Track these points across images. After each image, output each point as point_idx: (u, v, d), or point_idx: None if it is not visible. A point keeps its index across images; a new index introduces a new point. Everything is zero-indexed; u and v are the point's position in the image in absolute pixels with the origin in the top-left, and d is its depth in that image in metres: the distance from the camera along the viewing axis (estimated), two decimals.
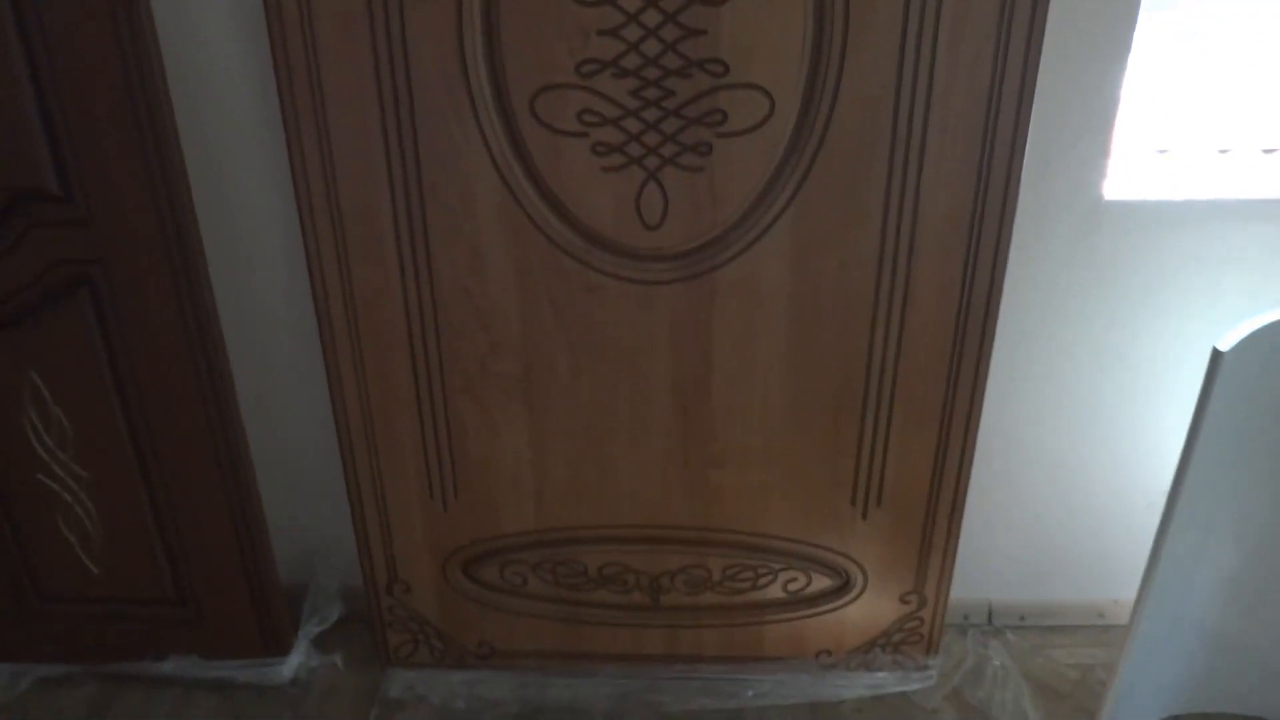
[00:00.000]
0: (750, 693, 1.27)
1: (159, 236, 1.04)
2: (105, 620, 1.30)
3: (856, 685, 1.26)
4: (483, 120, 0.98)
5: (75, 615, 1.30)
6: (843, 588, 1.23)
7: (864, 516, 1.17)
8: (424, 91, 0.97)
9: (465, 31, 0.94)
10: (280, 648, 1.31)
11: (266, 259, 1.18)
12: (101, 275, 1.07)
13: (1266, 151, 1.13)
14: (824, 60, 0.94)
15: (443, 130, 0.99)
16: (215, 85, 1.08)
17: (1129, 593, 1.05)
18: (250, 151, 1.11)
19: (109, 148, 1.00)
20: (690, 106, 0.96)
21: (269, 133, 1.08)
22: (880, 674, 1.27)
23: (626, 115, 0.97)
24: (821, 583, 1.23)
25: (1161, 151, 1.13)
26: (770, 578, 1.22)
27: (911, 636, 1.26)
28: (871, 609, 1.23)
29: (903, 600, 1.23)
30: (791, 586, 1.23)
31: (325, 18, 0.94)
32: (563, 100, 0.97)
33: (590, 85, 0.96)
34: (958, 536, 1.17)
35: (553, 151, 0.99)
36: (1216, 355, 0.89)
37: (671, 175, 0.99)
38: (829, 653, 1.28)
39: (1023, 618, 1.35)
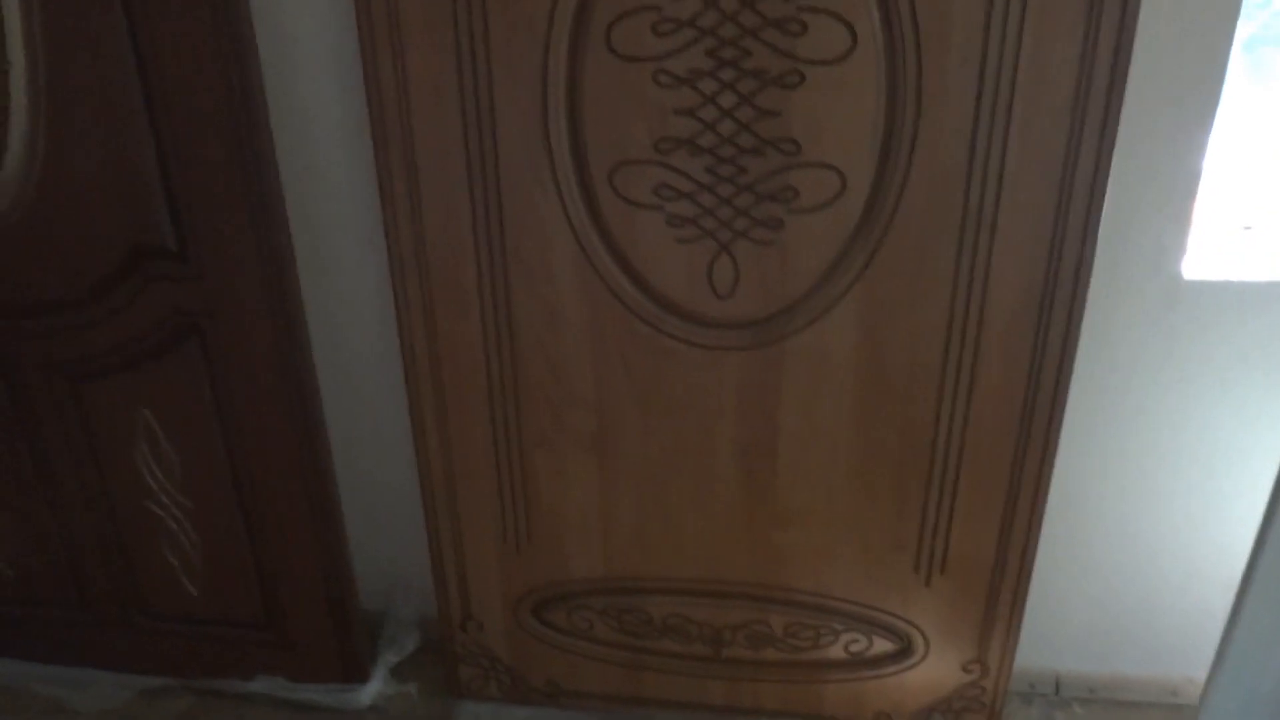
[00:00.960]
0: None
1: (263, 291, 1.12)
2: (201, 639, 1.39)
3: None
4: (563, 190, 1.03)
5: (175, 632, 1.40)
6: (904, 652, 1.23)
7: (927, 583, 1.17)
8: (509, 160, 1.03)
9: (550, 107, 0.99)
10: (359, 674, 1.38)
11: (359, 311, 1.25)
12: (210, 325, 1.16)
13: None
14: (896, 140, 0.96)
15: (525, 197, 1.04)
16: (315, 148, 1.15)
17: (1203, 670, 1.03)
18: (346, 211, 1.18)
19: (221, 208, 1.09)
20: (763, 183, 0.99)
21: (364, 193, 1.15)
22: None
23: (701, 190, 1.01)
24: (883, 646, 1.23)
25: (1246, 229, 1.11)
26: (831, 638, 1.23)
27: (973, 705, 1.25)
28: (933, 675, 1.23)
29: (965, 668, 1.22)
30: (853, 648, 1.24)
31: (419, 88, 1.01)
32: (640, 175, 1.01)
33: (667, 161, 1.00)
34: (1023, 608, 1.16)
35: (629, 222, 1.03)
36: None
37: (743, 248, 1.02)
38: (888, 716, 1.28)
39: (1092, 690, 1.32)
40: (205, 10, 0.99)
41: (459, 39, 0.98)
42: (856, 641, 1.23)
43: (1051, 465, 1.07)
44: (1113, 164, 0.94)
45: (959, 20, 0.91)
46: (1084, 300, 0.99)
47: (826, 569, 1.19)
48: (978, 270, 1.00)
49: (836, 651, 1.24)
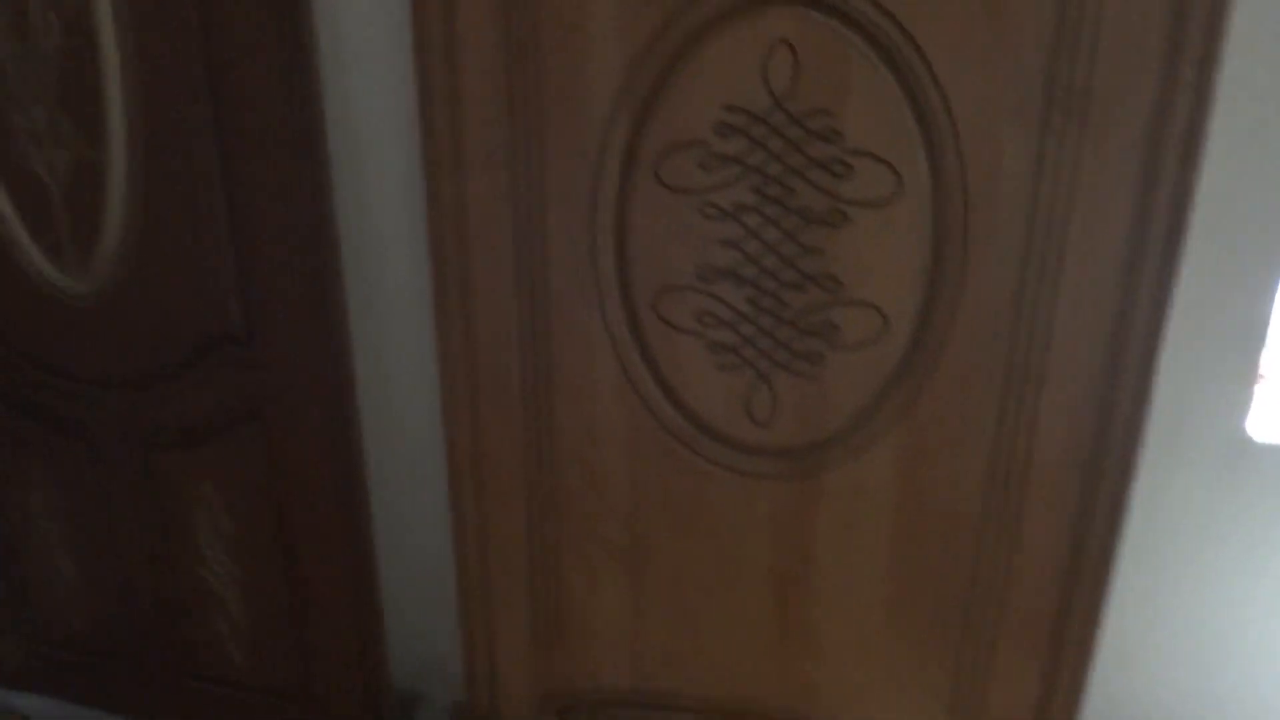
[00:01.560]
0: None
1: (321, 383, 1.17)
2: (243, 705, 1.43)
3: None
4: (607, 311, 1.05)
5: (220, 696, 1.44)
6: None
7: None
8: (558, 279, 1.05)
9: (598, 232, 1.02)
10: None
11: (409, 401, 1.28)
12: (270, 410, 1.21)
13: None
14: (941, 285, 0.94)
15: (571, 316, 1.06)
16: (378, 257, 1.21)
17: None
18: (402, 312, 1.23)
19: (288, 305, 1.15)
20: (804, 318, 0.99)
21: (420, 298, 1.18)
22: None
23: (742, 320, 1.01)
24: None
25: None
26: None
27: None
28: None
29: None
30: None
31: (477, 209, 1.04)
32: (682, 301, 1.02)
33: (709, 290, 1.01)
34: None
35: (670, 345, 1.04)
36: None
37: (782, 379, 1.02)
38: None
39: None
40: (287, 129, 1.05)
41: (516, 165, 1.01)
42: None
43: (1095, 632, 1.02)
44: (1171, 315, 0.91)
45: (1008, 170, 0.90)
46: (1136, 461, 0.95)
47: (858, 707, 1.15)
48: (1022, 424, 0.97)
49: None
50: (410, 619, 1.41)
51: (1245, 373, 1.00)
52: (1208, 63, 0.84)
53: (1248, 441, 1.02)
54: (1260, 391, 1.01)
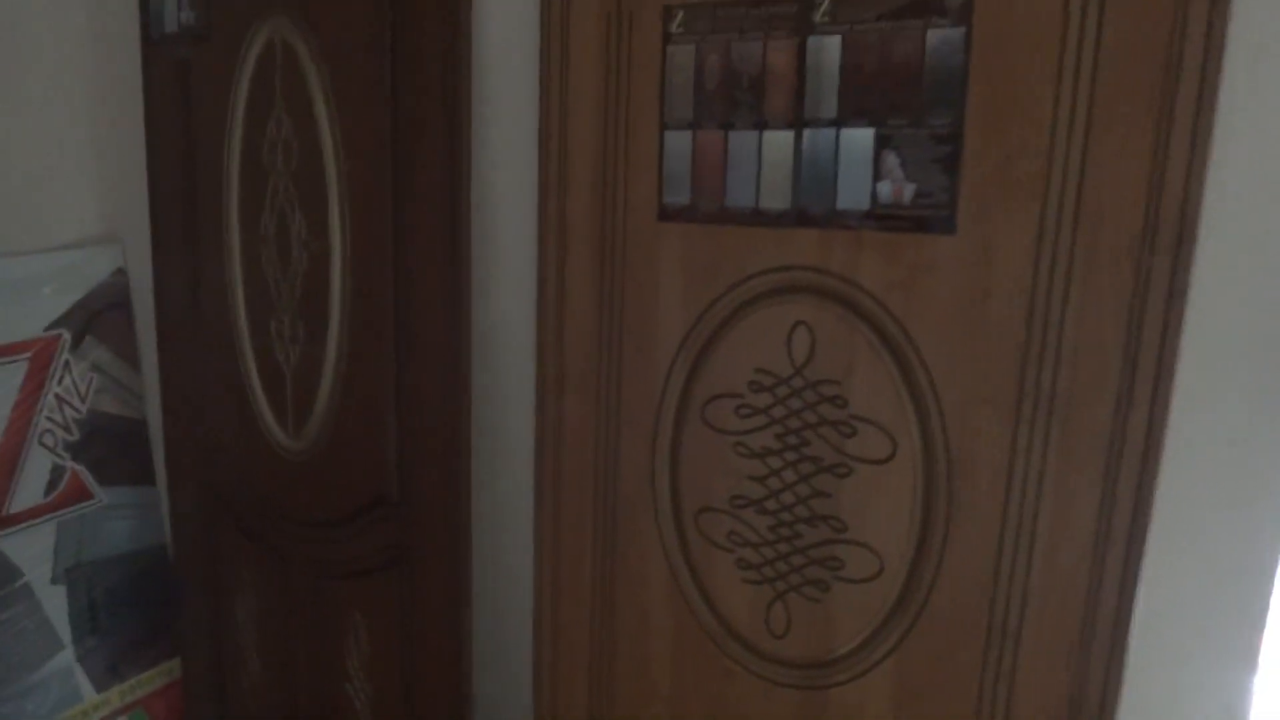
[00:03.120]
0: None
1: (446, 538, 1.46)
2: None
3: None
4: (661, 520, 1.26)
5: None
6: None
7: None
8: (625, 488, 1.29)
9: (657, 456, 1.25)
10: None
11: (510, 557, 1.54)
12: (410, 555, 1.51)
13: None
14: (929, 541, 1.08)
15: (633, 520, 1.28)
16: (499, 451, 1.50)
17: None
18: (510, 498, 1.50)
19: (429, 479, 1.45)
20: (814, 549, 1.15)
21: (524, 488, 1.45)
22: None
23: (764, 544, 1.19)
24: None
25: None
26: None
27: None
28: None
29: None
30: None
31: (570, 422, 1.31)
32: (718, 521, 1.22)
33: (738, 515, 1.20)
34: None
35: (707, 557, 1.23)
36: None
37: (795, 599, 1.18)
38: None
39: None
40: (443, 353, 1.39)
41: (600, 392, 1.28)
42: None
43: None
44: (1159, 592, 0.98)
45: (986, 446, 1.04)
46: None
47: None
48: (1001, 680, 1.06)
49: None
50: None
51: (1246, 658, 1.03)
52: (1163, 378, 0.96)
53: None
54: (1261, 682, 1.03)
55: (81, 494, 1.92)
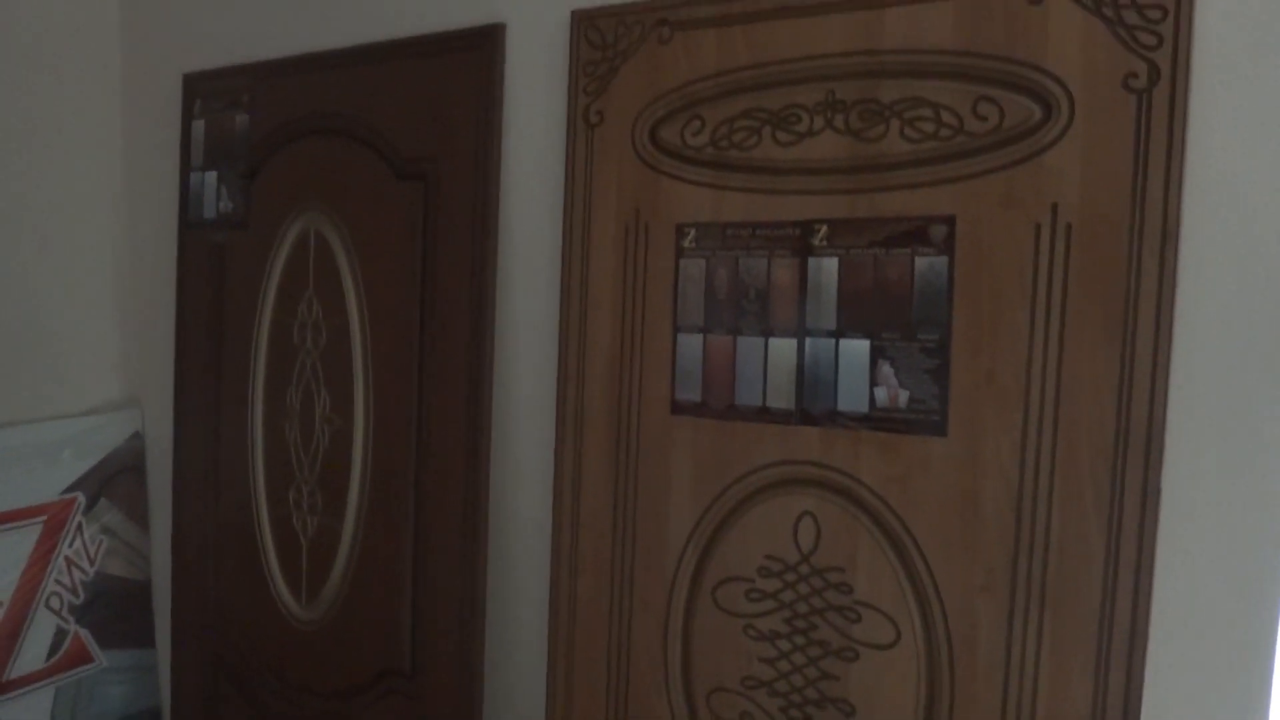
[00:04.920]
0: None
1: (459, 709, 1.48)
2: None
3: None
4: (672, 698, 1.30)
5: None
6: None
7: None
8: (637, 665, 1.33)
9: (669, 636, 1.30)
10: None
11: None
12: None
13: None
14: (934, 716, 1.14)
15: (645, 696, 1.32)
16: (512, 631, 1.54)
17: None
18: (525, 674, 1.53)
19: (443, 654, 1.49)
20: None
21: (538, 662, 1.49)
22: None
23: None
24: None
25: None
26: None
27: None
28: None
29: None
30: None
31: (583, 599, 1.37)
32: (730, 702, 1.26)
33: (750, 696, 1.24)
34: None
35: None
36: None
37: None
38: None
39: None
40: (459, 538, 1.45)
41: (614, 572, 1.34)
42: None
43: None
44: None
45: (984, 632, 1.11)
46: None
47: None
48: None
49: None
50: None
51: None
52: (1143, 570, 1.04)
53: None
54: None
55: (82, 657, 1.92)
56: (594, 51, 1.33)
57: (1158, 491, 1.05)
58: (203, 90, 1.78)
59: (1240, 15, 1.01)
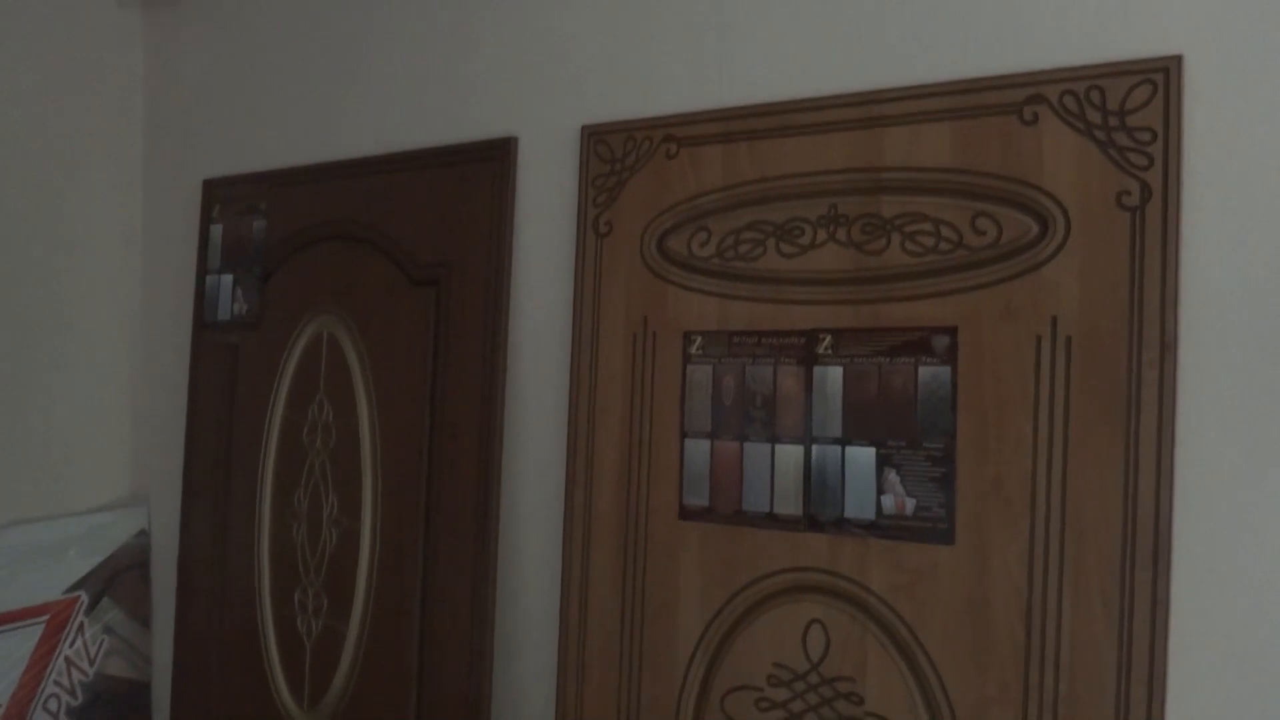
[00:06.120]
0: None
1: None
2: None
3: None
4: None
5: None
6: None
7: None
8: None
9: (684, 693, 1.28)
10: None
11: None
12: None
13: None
14: None
15: None
16: (517, 665, 1.52)
17: None
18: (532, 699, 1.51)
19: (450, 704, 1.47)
20: None
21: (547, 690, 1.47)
22: None
23: None
24: None
25: None
26: None
27: None
28: None
29: None
30: None
31: (589, 705, 1.35)
32: None
33: None
34: None
35: None
36: None
37: None
38: None
39: None
40: (465, 635, 1.44)
41: (621, 674, 1.32)
42: None
43: None
44: None
45: None
46: None
47: None
48: None
49: None
50: None
51: None
52: (1155, 682, 1.03)
53: None
54: None
55: None
56: (603, 165, 1.37)
57: (1167, 603, 1.04)
58: (222, 195, 1.84)
59: (1226, 134, 1.06)
